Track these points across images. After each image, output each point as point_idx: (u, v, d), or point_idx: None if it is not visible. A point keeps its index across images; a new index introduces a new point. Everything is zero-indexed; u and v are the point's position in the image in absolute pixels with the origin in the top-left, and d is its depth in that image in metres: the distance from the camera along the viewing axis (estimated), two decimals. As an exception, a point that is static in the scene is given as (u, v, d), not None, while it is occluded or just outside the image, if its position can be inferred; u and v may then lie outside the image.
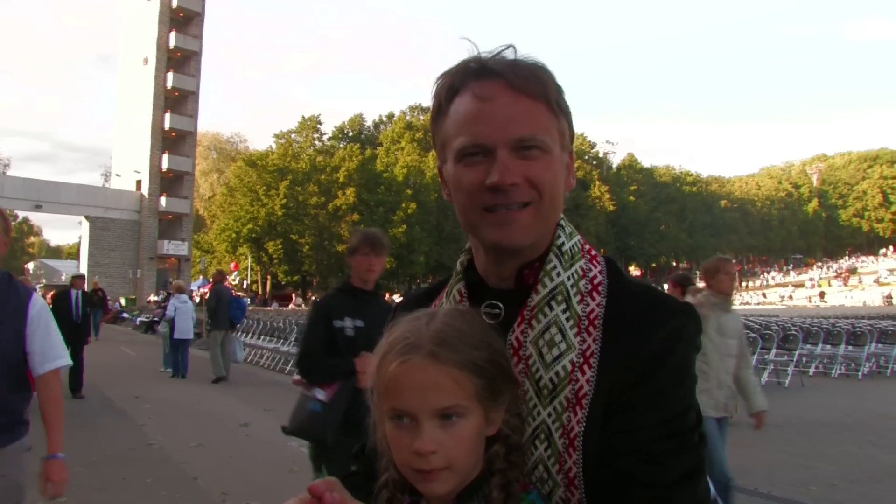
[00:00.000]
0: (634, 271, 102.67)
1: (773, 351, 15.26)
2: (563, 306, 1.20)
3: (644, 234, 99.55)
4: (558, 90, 1.23)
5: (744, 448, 8.82)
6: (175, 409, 11.80)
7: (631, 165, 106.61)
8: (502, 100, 1.17)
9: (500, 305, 1.26)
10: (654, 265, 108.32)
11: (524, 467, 1.15)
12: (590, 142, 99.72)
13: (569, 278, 1.22)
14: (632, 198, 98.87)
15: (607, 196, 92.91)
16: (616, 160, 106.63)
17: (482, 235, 1.23)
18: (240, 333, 21.38)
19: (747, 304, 77.52)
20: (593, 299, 1.21)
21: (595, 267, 1.26)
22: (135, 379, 15.65)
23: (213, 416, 11.14)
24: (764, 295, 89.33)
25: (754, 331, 16.85)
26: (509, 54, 1.22)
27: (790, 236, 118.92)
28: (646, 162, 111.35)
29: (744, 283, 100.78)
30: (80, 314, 13.46)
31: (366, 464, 1.36)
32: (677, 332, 1.16)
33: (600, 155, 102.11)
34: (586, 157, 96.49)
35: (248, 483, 7.12)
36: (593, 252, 1.30)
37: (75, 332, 12.49)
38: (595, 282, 1.24)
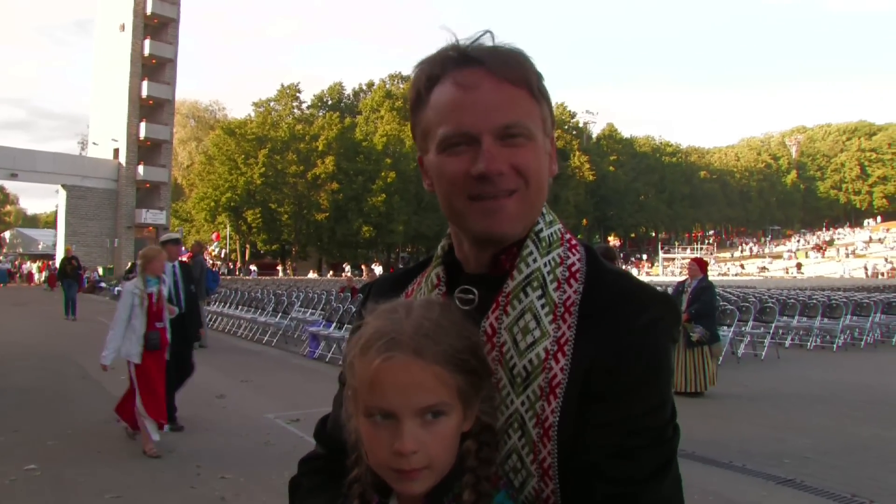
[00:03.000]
0: (613, 241, 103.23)
1: (750, 323, 15.36)
2: (539, 293, 1.18)
3: (623, 205, 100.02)
4: (539, 76, 1.21)
5: (719, 421, 8.89)
6: (151, 380, 11.67)
7: (611, 136, 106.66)
8: (485, 87, 1.15)
9: (475, 291, 1.24)
10: (633, 235, 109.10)
11: (495, 461, 1.12)
12: (570, 111, 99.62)
13: (545, 265, 1.21)
14: (611, 168, 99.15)
15: (587, 166, 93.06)
16: (596, 130, 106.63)
17: (469, 225, 1.20)
18: (214, 304, 21.40)
19: (725, 274, 78.05)
20: (570, 286, 1.19)
21: (574, 255, 1.24)
22: (111, 350, 15.41)
23: (190, 387, 10.98)
24: (742, 266, 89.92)
25: (731, 303, 16.92)
26: (487, 41, 1.19)
27: (768, 207, 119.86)
28: (626, 132, 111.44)
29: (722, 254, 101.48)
30: (181, 298, 8.70)
31: (328, 445, 1.35)
32: (654, 323, 1.14)
33: (580, 125, 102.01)
34: (566, 127, 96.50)
35: (223, 455, 7.07)
36: (573, 241, 1.28)
37: (180, 327, 8.21)
38: (573, 269, 1.21)
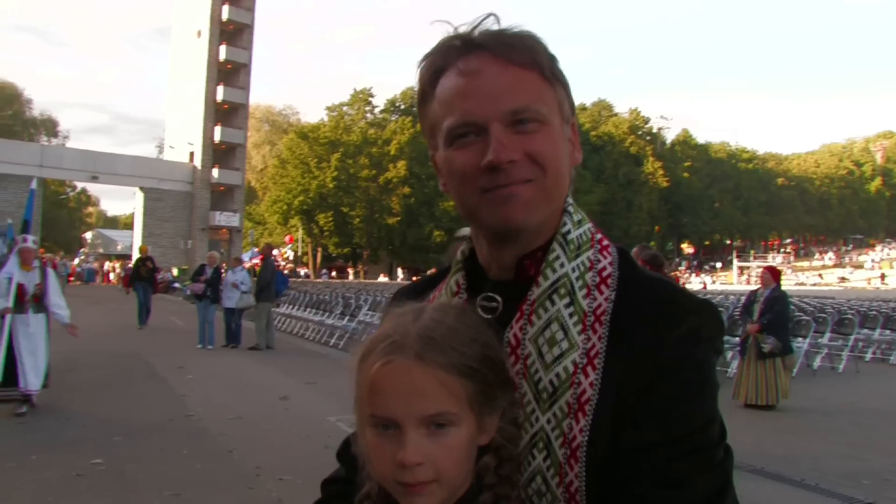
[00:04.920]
0: (688, 249, 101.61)
1: (827, 335, 14.81)
2: (567, 300, 1.08)
3: (698, 212, 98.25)
4: (551, 58, 1.12)
5: (792, 436, 8.54)
6: (217, 380, 11.84)
7: (685, 141, 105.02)
8: (490, 71, 1.07)
9: (498, 299, 1.15)
10: (707, 243, 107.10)
11: (518, 482, 1.04)
12: (644, 117, 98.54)
13: (574, 270, 1.11)
14: (686, 174, 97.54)
15: (661, 172, 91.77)
16: (670, 136, 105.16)
17: (483, 219, 1.11)
18: (283, 306, 21.65)
19: (802, 284, 76.00)
20: (601, 293, 1.09)
21: (605, 258, 1.13)
22: (180, 349, 15.74)
23: (255, 388, 11.14)
24: (820, 276, 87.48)
25: (808, 313, 16.40)
26: (492, 24, 1.12)
27: (850, 216, 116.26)
28: (701, 138, 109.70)
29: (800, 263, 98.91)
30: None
31: (349, 468, 1.23)
32: (694, 333, 1.03)
33: (654, 130, 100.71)
34: (640, 133, 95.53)
35: (283, 457, 7.05)
36: (605, 242, 1.16)
37: None
38: (604, 274, 1.11)
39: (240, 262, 17.78)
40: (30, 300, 9.00)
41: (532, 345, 1.07)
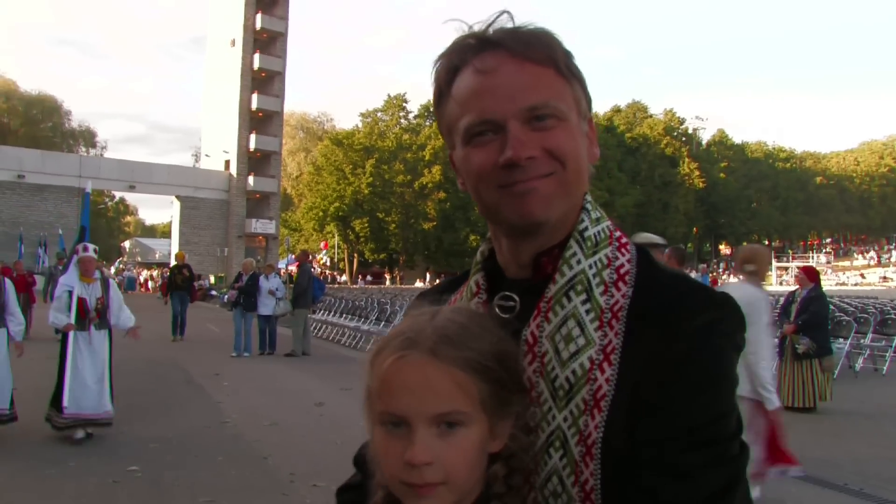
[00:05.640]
0: (724, 249, 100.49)
1: (870, 335, 14.53)
2: (583, 297, 1.07)
3: (735, 212, 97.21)
4: (567, 54, 1.12)
5: (833, 439, 8.38)
6: (253, 386, 11.90)
7: (721, 142, 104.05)
8: (506, 69, 1.07)
9: (516, 297, 1.14)
10: (744, 244, 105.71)
11: (527, 493, 1.02)
12: (679, 118, 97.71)
13: (591, 266, 1.10)
14: (722, 175, 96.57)
15: (697, 173, 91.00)
16: (706, 136, 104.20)
17: (502, 215, 1.11)
18: (319, 312, 21.70)
19: (843, 284, 74.85)
20: (618, 290, 1.08)
21: (623, 255, 1.12)
22: (216, 356, 15.84)
23: (290, 394, 11.18)
24: (862, 276, 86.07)
25: (848, 314, 16.10)
26: (506, 21, 1.11)
27: (892, 214, 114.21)
28: (737, 138, 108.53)
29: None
30: None
31: (364, 474, 1.20)
32: (712, 326, 1.01)
33: (689, 131, 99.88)
34: (675, 134, 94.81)
35: (317, 463, 7.06)
36: (623, 240, 1.15)
37: None
38: (622, 271, 1.10)
39: (273, 269, 17.78)
40: (92, 315, 8.22)
41: (549, 342, 1.06)
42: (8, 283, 8.41)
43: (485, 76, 1.07)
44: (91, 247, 8.53)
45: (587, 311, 1.06)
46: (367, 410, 1.01)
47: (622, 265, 1.10)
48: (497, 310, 1.13)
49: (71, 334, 8.00)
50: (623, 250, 1.13)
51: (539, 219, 1.08)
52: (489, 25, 1.10)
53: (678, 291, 1.06)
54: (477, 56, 1.08)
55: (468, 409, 0.95)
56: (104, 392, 8.07)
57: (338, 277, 72.56)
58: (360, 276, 77.36)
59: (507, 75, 1.06)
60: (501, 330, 1.04)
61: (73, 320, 8.01)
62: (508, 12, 1.11)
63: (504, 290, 1.16)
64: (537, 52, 1.07)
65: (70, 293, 8.14)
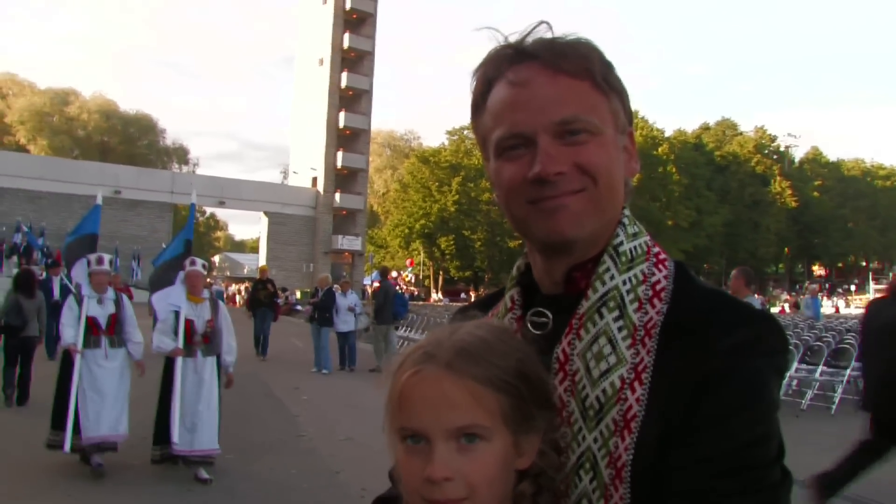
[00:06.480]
0: (818, 271, 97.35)
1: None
2: (616, 314, 1.04)
3: (829, 232, 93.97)
4: (606, 65, 1.09)
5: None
6: (331, 401, 11.95)
7: (815, 159, 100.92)
8: (539, 81, 1.05)
9: (548, 314, 1.12)
10: (840, 265, 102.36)
11: None
12: (770, 135, 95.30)
13: (625, 283, 1.07)
14: (816, 193, 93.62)
15: (789, 192, 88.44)
16: (799, 154, 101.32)
17: (532, 231, 1.09)
18: (401, 328, 21.67)
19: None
20: (653, 307, 1.04)
21: (660, 272, 1.09)
22: (297, 370, 15.92)
23: (367, 410, 11.06)
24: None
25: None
26: (544, 31, 1.09)
27: None
28: (832, 155, 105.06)
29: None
30: None
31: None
32: (750, 343, 0.96)
33: (781, 149, 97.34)
34: (766, 152, 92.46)
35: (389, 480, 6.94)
36: (661, 256, 1.12)
37: None
38: (657, 288, 1.06)
39: (349, 285, 17.73)
40: (198, 339, 7.31)
41: (580, 360, 1.03)
42: (125, 298, 7.87)
43: (518, 88, 1.05)
44: (199, 261, 7.69)
45: (619, 329, 1.03)
46: (387, 426, 0.99)
47: (658, 281, 1.07)
48: (529, 326, 1.11)
49: (178, 360, 7.12)
50: (660, 266, 1.09)
51: (568, 236, 1.05)
52: (526, 36, 1.08)
53: (712, 306, 1.02)
54: (511, 68, 1.07)
55: (488, 422, 0.93)
56: (213, 424, 7.19)
57: (421, 294, 72.81)
58: (439, 294, 77.58)
59: (540, 87, 1.04)
60: (527, 344, 1.02)
61: (181, 344, 7.17)
62: (547, 22, 1.08)
63: (538, 306, 1.13)
64: (572, 63, 1.05)
65: (177, 314, 7.26)
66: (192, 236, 8.79)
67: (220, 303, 7.82)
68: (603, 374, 1.00)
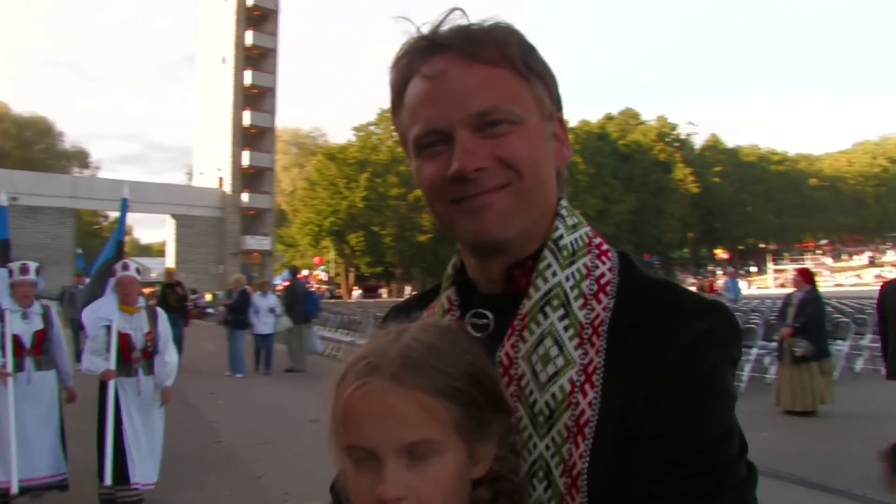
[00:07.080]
0: (721, 254, 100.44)
1: (868, 336, 14.40)
2: (561, 312, 0.98)
3: (730, 217, 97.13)
4: (526, 49, 1.02)
5: (836, 443, 8.26)
6: (248, 405, 11.81)
7: (714, 146, 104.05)
8: (453, 73, 0.98)
9: (489, 315, 1.05)
10: (740, 248, 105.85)
11: None
12: (671, 124, 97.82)
13: (568, 278, 1.00)
14: (716, 179, 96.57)
15: (691, 178, 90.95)
16: (699, 141, 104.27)
17: (458, 233, 1.04)
18: (317, 327, 21.47)
19: (840, 285, 74.81)
20: (599, 303, 0.98)
21: (604, 264, 1.03)
22: (212, 375, 15.63)
23: (285, 412, 11.05)
24: (858, 276, 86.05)
25: (846, 315, 16.00)
26: (458, 18, 1.02)
27: (887, 214, 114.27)
28: (730, 142, 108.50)
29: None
30: None
31: (340, 502, 1.09)
32: (703, 336, 0.92)
33: (682, 137, 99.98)
34: (668, 140, 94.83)
35: (311, 482, 6.88)
36: (604, 247, 1.06)
37: None
38: (602, 282, 1.00)
39: (269, 286, 17.46)
40: (139, 356, 6.33)
41: (525, 363, 0.97)
42: (161, 312, 6.83)
43: (432, 82, 0.99)
44: (132, 265, 6.66)
45: (565, 328, 0.97)
46: (332, 442, 0.94)
47: (602, 275, 1.01)
48: (470, 328, 1.04)
49: (111, 383, 6.14)
50: (603, 258, 1.04)
51: (496, 237, 0.99)
52: (439, 25, 1.01)
53: (664, 300, 0.97)
54: (425, 60, 1.00)
55: (439, 436, 0.87)
56: (155, 453, 6.46)
57: (334, 292, 72.44)
58: (353, 290, 77.31)
59: (455, 79, 0.98)
60: (476, 345, 0.96)
61: (113, 365, 6.15)
62: (461, 9, 1.02)
63: (477, 307, 1.06)
64: (489, 50, 0.98)
65: (108, 328, 6.22)
66: (124, 236, 7.85)
67: (160, 311, 6.87)
68: (551, 377, 0.94)
